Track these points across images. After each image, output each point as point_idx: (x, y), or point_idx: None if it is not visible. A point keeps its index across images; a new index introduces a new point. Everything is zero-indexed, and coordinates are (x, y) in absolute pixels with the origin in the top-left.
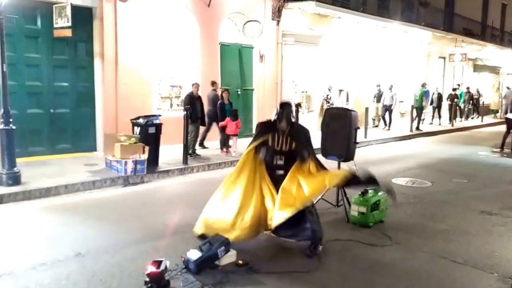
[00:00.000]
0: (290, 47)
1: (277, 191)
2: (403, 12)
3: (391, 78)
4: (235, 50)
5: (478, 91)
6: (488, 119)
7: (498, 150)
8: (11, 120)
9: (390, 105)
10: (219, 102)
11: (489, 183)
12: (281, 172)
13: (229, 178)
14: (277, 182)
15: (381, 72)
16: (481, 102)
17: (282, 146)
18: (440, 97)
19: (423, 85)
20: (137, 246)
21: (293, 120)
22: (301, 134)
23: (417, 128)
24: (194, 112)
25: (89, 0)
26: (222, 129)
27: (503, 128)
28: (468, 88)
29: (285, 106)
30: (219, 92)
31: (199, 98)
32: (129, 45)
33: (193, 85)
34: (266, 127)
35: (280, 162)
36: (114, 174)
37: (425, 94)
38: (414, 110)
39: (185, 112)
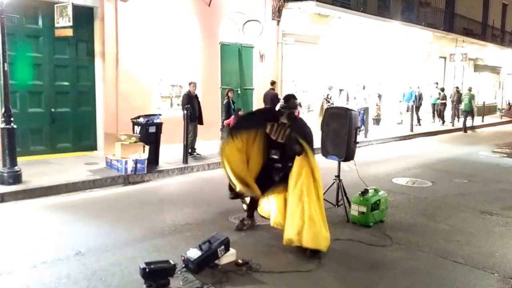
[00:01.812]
0: (290, 46)
1: (273, 179)
2: (404, 12)
3: (389, 77)
4: (235, 50)
5: (458, 91)
6: (489, 118)
7: None
8: (12, 119)
9: (367, 108)
10: (225, 100)
11: (490, 183)
12: (279, 165)
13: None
14: (277, 172)
15: (381, 72)
16: (476, 103)
17: (278, 137)
18: (420, 96)
19: (470, 89)
20: (138, 245)
21: (296, 114)
22: (301, 129)
23: (465, 131)
24: (193, 111)
25: None
26: (227, 128)
27: (504, 128)
28: (457, 87)
29: (289, 100)
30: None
31: (196, 96)
32: (129, 44)
33: (190, 84)
34: (267, 114)
35: (275, 157)
36: (115, 173)
37: (473, 97)
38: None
39: (185, 112)
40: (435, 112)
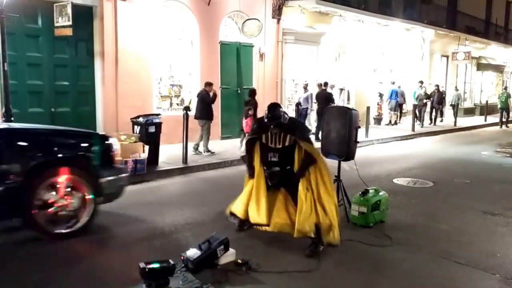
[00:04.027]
0: (291, 45)
1: (274, 186)
2: (405, 10)
3: (395, 77)
4: (235, 49)
5: (439, 90)
6: (492, 118)
7: None
8: (12, 119)
9: (306, 109)
10: (251, 101)
11: (492, 183)
12: (277, 168)
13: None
14: (273, 176)
15: (382, 70)
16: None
17: (276, 143)
18: (402, 94)
19: (506, 88)
20: (137, 244)
21: (286, 117)
22: (296, 130)
23: (503, 126)
24: (210, 110)
25: None
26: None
27: (505, 128)
28: (437, 86)
29: (271, 109)
30: (329, 90)
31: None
32: (129, 44)
33: (209, 84)
34: (259, 126)
35: (275, 159)
36: None
37: (510, 96)
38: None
39: (185, 111)
40: (415, 112)
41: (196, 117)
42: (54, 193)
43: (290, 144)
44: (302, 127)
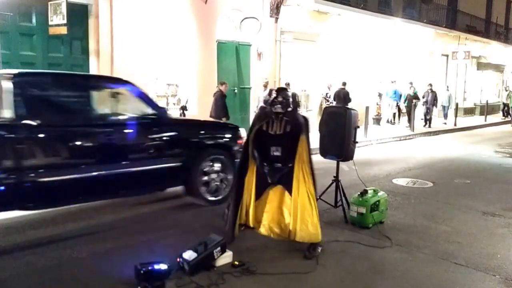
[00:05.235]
0: (289, 44)
1: (274, 184)
2: (405, 9)
3: (394, 76)
4: (232, 48)
5: (432, 89)
6: (492, 118)
7: None
8: None
9: None
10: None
11: (492, 183)
12: (279, 165)
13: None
14: (275, 173)
15: (382, 70)
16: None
17: (276, 129)
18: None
19: None
20: (133, 246)
21: (291, 107)
22: (298, 121)
23: None
24: (226, 109)
25: None
26: None
27: (507, 127)
28: (430, 85)
29: (282, 91)
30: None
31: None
32: (124, 42)
33: (223, 83)
34: (261, 114)
35: (277, 153)
36: None
37: None
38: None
39: (181, 111)
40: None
41: (211, 116)
42: (209, 169)
43: (290, 131)
44: (305, 122)
